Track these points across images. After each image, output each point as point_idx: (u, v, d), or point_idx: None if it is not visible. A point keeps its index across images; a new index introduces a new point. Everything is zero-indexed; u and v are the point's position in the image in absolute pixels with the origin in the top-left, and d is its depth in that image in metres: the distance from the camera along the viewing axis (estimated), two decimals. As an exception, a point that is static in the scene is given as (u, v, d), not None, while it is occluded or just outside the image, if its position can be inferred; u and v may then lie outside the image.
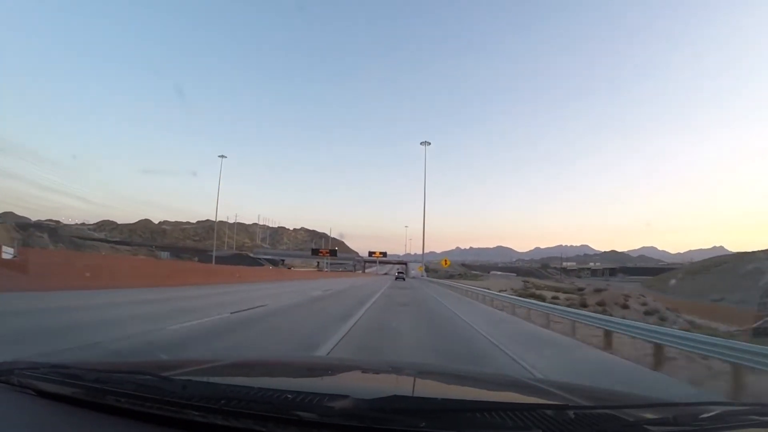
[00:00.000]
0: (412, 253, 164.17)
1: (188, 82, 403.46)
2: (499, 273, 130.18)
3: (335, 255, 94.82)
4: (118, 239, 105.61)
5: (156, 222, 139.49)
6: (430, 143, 77.73)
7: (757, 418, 1.09)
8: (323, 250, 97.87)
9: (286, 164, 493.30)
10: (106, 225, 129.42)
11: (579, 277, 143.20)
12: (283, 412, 0.97)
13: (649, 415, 1.09)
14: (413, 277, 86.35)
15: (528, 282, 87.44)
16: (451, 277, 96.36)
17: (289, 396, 1.05)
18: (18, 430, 1.04)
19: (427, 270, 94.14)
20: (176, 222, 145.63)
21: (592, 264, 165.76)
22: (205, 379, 1.45)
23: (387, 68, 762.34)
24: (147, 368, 1.50)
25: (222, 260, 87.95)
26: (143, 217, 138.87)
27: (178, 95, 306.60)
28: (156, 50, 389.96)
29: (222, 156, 77.96)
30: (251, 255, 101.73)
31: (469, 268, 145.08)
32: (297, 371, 2.01)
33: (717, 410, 1.11)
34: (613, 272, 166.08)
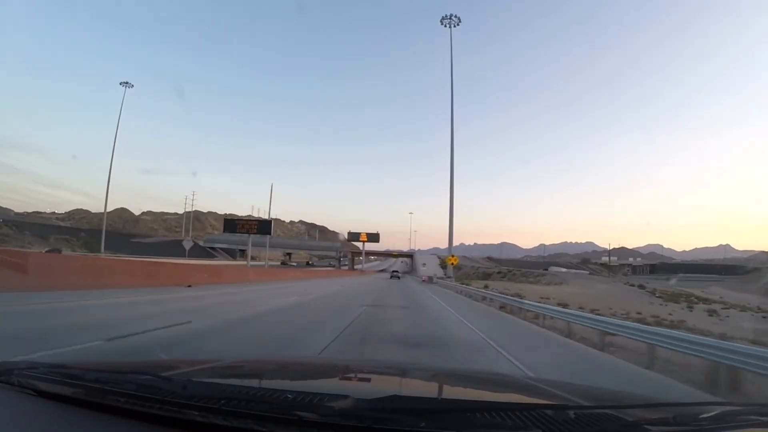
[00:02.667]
0: (416, 248, 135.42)
1: (185, 76, 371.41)
2: (564, 270, 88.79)
3: (268, 233, 54.00)
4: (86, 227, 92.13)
5: (137, 213, 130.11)
6: (459, 20, 48.27)
7: (757, 418, 1.08)
8: (244, 222, 53.39)
9: (287, 161, 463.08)
10: (76, 214, 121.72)
11: (625, 275, 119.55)
12: (283, 412, 0.96)
13: (649, 415, 1.08)
14: (424, 281, 51.51)
15: (661, 293, 46.59)
16: (487, 276, 66.02)
17: (289, 396, 1.04)
18: (18, 430, 1.03)
19: (443, 266, 62.66)
20: (161, 212, 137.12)
21: (631, 259, 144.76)
22: (205, 379, 1.44)
23: (394, 62, 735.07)
24: (147, 368, 1.50)
25: (148, 248, 60.60)
26: (119, 206, 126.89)
27: (177, 91, 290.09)
28: (153, 47, 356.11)
29: (126, 83, 49.33)
30: (200, 244, 75.10)
31: (497, 263, 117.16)
32: (297, 371, 2.00)
33: (717, 410, 1.11)
34: (653, 269, 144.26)
